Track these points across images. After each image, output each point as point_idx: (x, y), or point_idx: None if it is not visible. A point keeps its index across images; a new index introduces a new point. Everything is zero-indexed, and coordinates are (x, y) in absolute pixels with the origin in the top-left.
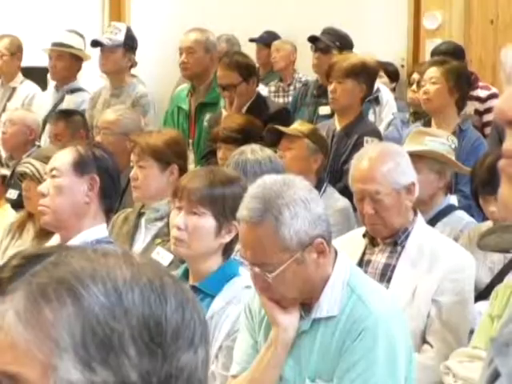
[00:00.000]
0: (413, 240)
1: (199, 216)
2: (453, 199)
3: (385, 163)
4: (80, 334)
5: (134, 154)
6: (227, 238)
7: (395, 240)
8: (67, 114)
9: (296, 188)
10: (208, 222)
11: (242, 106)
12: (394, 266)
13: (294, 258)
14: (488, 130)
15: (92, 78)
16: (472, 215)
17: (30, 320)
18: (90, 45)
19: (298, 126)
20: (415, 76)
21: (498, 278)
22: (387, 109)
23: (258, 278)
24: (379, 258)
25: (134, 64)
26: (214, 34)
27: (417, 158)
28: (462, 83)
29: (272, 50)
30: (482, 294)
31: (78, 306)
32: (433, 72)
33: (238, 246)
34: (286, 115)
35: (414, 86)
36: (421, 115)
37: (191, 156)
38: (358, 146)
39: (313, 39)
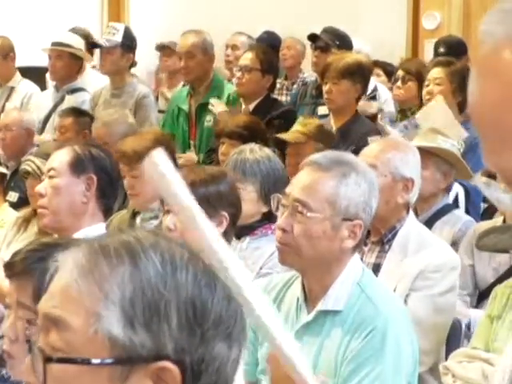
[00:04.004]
0: (399, 238)
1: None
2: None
3: (393, 150)
4: (130, 292)
5: (123, 163)
6: (219, 230)
7: (382, 239)
8: (78, 113)
9: (369, 170)
10: None
11: (249, 89)
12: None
13: (333, 219)
14: None
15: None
16: (467, 211)
17: (85, 268)
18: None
19: (301, 127)
20: (400, 73)
21: (503, 279)
22: (385, 107)
23: (288, 219)
24: (368, 258)
25: (133, 63)
26: (209, 34)
27: (427, 154)
28: (465, 85)
29: (283, 46)
30: (485, 293)
31: (134, 267)
32: (437, 73)
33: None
34: (291, 115)
35: (399, 83)
36: (406, 112)
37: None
38: (361, 147)
39: (312, 37)
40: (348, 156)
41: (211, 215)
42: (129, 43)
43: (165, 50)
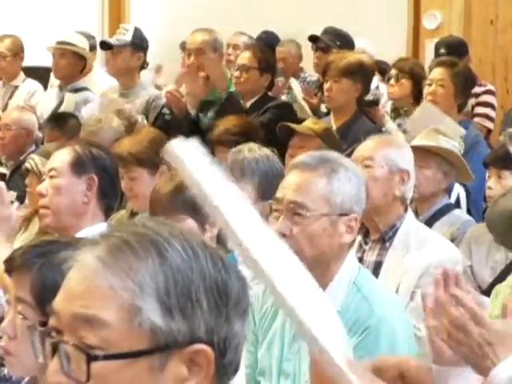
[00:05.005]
0: (400, 236)
1: (180, 222)
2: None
3: (387, 145)
4: (163, 281)
5: (119, 166)
6: (215, 231)
7: (383, 237)
8: (61, 120)
9: (353, 164)
10: (188, 224)
11: (247, 88)
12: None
13: (331, 215)
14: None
15: None
16: (469, 212)
17: (112, 263)
18: (99, 47)
19: (312, 124)
20: (393, 71)
21: (501, 278)
22: (387, 107)
23: (285, 222)
24: (369, 257)
25: (145, 64)
26: (220, 34)
27: (429, 154)
28: (467, 88)
29: (278, 57)
30: (485, 293)
31: (161, 257)
32: (441, 74)
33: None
34: (287, 107)
35: (393, 81)
36: (400, 111)
37: None
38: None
39: (313, 38)
40: (331, 154)
41: (201, 222)
42: (139, 42)
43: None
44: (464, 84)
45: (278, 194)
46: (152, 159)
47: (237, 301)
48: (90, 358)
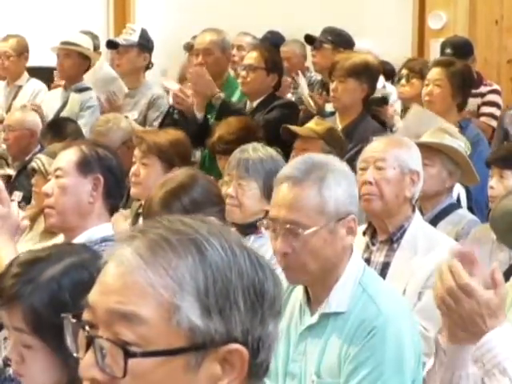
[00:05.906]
0: (408, 237)
1: None
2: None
3: (397, 146)
4: (203, 280)
5: (138, 150)
6: None
7: (391, 238)
8: (59, 127)
9: (340, 163)
10: None
11: (253, 89)
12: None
13: (328, 225)
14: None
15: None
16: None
17: (152, 260)
18: (106, 46)
19: (314, 125)
20: (403, 71)
21: (505, 278)
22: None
23: (284, 240)
24: (377, 258)
25: (150, 65)
26: (228, 34)
27: (434, 152)
28: (465, 87)
29: (282, 57)
30: None
31: (201, 255)
32: (438, 74)
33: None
34: (293, 107)
35: (403, 81)
36: None
37: (197, 154)
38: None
39: (308, 39)
40: (317, 158)
41: None
42: (145, 43)
43: (193, 49)
44: (461, 83)
45: (272, 213)
46: (171, 157)
47: (272, 302)
48: (129, 355)
